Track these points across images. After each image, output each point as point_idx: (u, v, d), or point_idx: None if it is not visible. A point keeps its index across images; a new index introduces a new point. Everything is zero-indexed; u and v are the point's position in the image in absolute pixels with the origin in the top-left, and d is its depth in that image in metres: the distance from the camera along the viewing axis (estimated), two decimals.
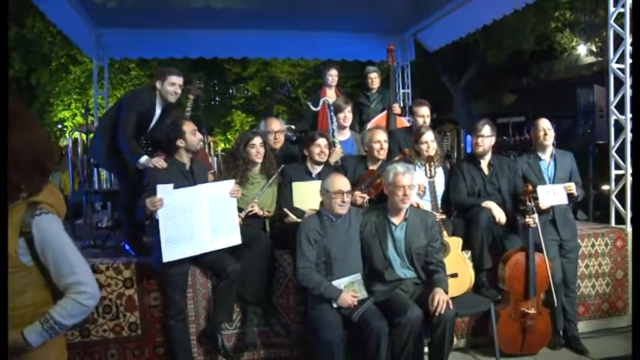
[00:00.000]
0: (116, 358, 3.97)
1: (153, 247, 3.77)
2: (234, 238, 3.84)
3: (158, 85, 4.34)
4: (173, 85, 4.32)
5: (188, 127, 3.91)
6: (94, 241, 4.95)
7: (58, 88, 14.39)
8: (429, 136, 4.44)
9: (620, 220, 5.11)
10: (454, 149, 7.19)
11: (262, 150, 4.23)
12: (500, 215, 4.25)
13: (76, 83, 14.50)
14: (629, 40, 4.90)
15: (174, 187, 3.68)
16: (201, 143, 3.94)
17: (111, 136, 4.32)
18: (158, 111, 4.41)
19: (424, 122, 4.89)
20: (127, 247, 4.46)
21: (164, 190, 3.62)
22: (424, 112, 4.97)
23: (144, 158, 4.05)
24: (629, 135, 4.96)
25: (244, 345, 4.00)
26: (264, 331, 4.09)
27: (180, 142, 3.89)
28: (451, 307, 3.38)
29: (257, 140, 4.22)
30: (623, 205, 5.04)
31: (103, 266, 3.96)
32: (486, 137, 4.45)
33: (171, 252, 3.62)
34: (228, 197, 3.87)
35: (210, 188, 3.86)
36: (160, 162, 3.90)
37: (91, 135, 6.04)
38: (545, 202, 4.26)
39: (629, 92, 4.94)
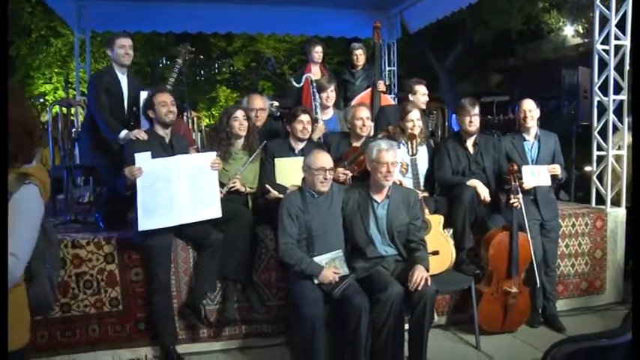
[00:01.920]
0: (97, 334, 3.96)
1: (134, 221, 3.74)
2: (214, 211, 3.82)
3: (109, 53, 4.44)
4: (122, 47, 4.38)
5: (157, 98, 3.87)
6: (75, 216, 4.90)
7: (38, 60, 14.12)
8: (415, 115, 4.44)
9: (600, 200, 5.16)
10: (439, 128, 7.19)
11: (245, 123, 4.19)
12: (484, 193, 4.26)
13: (58, 56, 14.23)
14: (614, 21, 4.90)
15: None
16: (173, 115, 3.90)
17: (94, 131, 4.37)
18: (124, 81, 4.45)
19: (425, 101, 4.95)
20: (99, 219, 4.48)
21: (142, 159, 3.60)
22: (424, 90, 5.01)
23: (123, 133, 4.08)
24: (612, 117, 4.99)
25: (224, 320, 4.01)
26: (244, 307, 4.09)
27: (150, 113, 3.89)
28: (429, 283, 3.40)
29: (239, 113, 4.19)
30: (604, 186, 5.08)
31: (83, 241, 3.93)
32: (478, 116, 4.45)
33: (148, 221, 3.60)
34: (208, 169, 3.84)
35: (190, 159, 3.85)
36: (140, 134, 3.90)
37: (72, 109, 5.97)
38: (528, 183, 4.29)
39: (612, 74, 4.95)
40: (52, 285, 2.23)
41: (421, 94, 4.95)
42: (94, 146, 4.45)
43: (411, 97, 4.90)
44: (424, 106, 4.96)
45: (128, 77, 4.52)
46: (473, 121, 4.44)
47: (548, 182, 4.37)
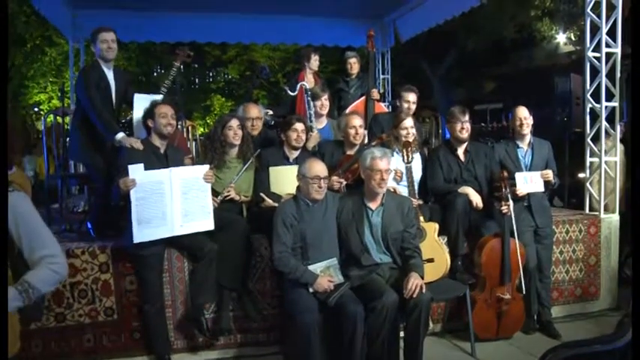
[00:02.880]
0: (92, 343, 3.95)
1: (126, 229, 3.74)
2: (207, 224, 3.82)
3: (92, 48, 4.46)
4: (105, 41, 4.38)
5: (159, 109, 3.90)
6: (69, 226, 4.89)
7: (33, 70, 14.12)
8: (409, 123, 4.47)
9: (593, 206, 5.18)
10: (432, 135, 7.22)
11: (240, 132, 4.20)
12: (477, 200, 4.29)
13: (52, 65, 14.24)
14: (605, 29, 4.94)
15: (148, 169, 3.67)
16: (171, 128, 3.93)
17: (85, 128, 4.36)
18: (110, 76, 4.44)
19: (408, 108, 4.90)
20: (90, 227, 4.47)
21: (135, 171, 3.60)
22: (411, 98, 4.94)
23: (120, 135, 4.08)
24: (604, 123, 5.03)
25: (220, 329, 4.00)
26: (239, 315, 4.09)
27: (149, 122, 3.91)
28: (424, 291, 3.41)
29: (234, 122, 4.20)
30: (597, 193, 5.10)
31: (78, 250, 3.92)
32: (468, 123, 4.48)
33: (142, 233, 3.61)
34: (201, 182, 3.84)
35: (183, 171, 3.84)
36: (137, 143, 3.91)
37: (67, 118, 5.97)
38: (522, 189, 4.31)
39: (604, 81, 4.99)
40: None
41: (410, 101, 4.95)
42: (85, 144, 4.41)
43: (397, 104, 4.92)
44: (411, 113, 4.96)
45: (114, 71, 4.51)
46: (464, 128, 4.46)
47: (541, 188, 4.39)
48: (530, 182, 4.35)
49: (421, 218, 4.09)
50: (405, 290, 3.36)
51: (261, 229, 4.05)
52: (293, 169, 3.93)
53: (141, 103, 4.23)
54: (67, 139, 6.06)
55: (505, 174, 4.21)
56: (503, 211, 4.13)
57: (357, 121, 4.46)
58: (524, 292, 4.24)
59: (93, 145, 4.37)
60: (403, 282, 3.43)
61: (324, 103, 5.01)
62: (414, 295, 3.35)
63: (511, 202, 4.16)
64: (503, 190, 4.16)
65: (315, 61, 5.80)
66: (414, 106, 4.96)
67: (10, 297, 1.93)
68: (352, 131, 4.42)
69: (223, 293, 3.98)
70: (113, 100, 4.46)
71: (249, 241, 4.03)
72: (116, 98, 4.47)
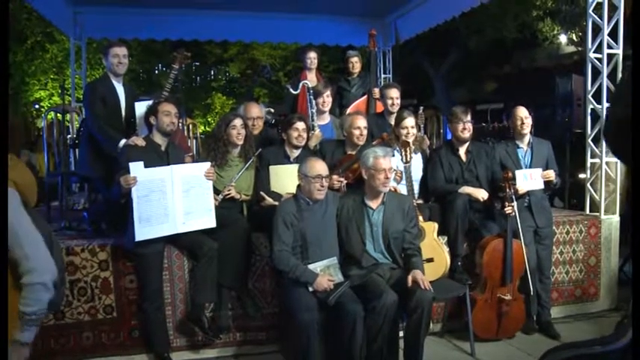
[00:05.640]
0: (91, 341, 3.94)
1: (127, 228, 3.74)
2: (209, 221, 3.83)
3: (104, 61, 4.47)
4: (116, 56, 4.40)
5: (162, 107, 3.89)
6: (69, 223, 4.88)
7: (34, 67, 14.12)
8: (410, 122, 4.45)
9: (594, 207, 5.18)
10: (434, 135, 7.21)
11: (243, 131, 4.19)
12: (480, 194, 4.28)
13: (53, 62, 14.24)
14: (606, 30, 4.93)
15: (149, 167, 3.66)
16: (173, 126, 3.93)
17: (93, 142, 4.38)
18: (120, 90, 4.46)
19: (392, 104, 4.98)
20: (85, 216, 4.56)
21: (136, 168, 3.59)
22: (393, 94, 5.02)
23: (122, 142, 4.07)
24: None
25: (218, 328, 4.00)
26: (239, 314, 4.09)
27: (152, 120, 3.90)
28: (430, 288, 3.41)
29: (238, 122, 4.19)
30: (598, 194, 5.10)
31: (78, 248, 3.92)
32: (470, 123, 4.47)
33: (144, 231, 3.60)
34: (203, 179, 3.85)
35: (184, 169, 3.84)
36: (138, 140, 3.90)
37: (68, 116, 5.97)
38: (522, 187, 4.30)
39: (605, 82, 4.98)
40: (62, 283, 2.25)
41: (394, 97, 5.01)
42: (94, 159, 4.44)
43: (381, 101, 4.94)
44: (396, 109, 4.96)
45: (124, 85, 4.53)
46: (465, 128, 4.46)
47: (541, 185, 4.38)
48: (530, 179, 4.34)
49: (420, 218, 4.08)
50: (410, 284, 3.38)
51: (261, 227, 4.04)
52: (293, 168, 3.92)
53: (142, 109, 4.22)
54: (68, 136, 6.06)
55: (510, 174, 4.20)
56: (507, 212, 4.12)
57: (362, 122, 4.43)
58: (531, 293, 4.24)
59: (102, 159, 4.37)
60: (403, 282, 3.43)
61: (325, 99, 4.99)
62: (426, 286, 3.36)
63: (515, 203, 4.15)
64: (508, 190, 4.15)
65: (309, 60, 5.75)
66: (398, 102, 5.04)
67: (22, 330, 1.98)
68: (357, 132, 4.40)
69: (223, 292, 3.98)
70: (122, 113, 4.47)
71: (250, 240, 4.02)
72: (125, 112, 4.48)
